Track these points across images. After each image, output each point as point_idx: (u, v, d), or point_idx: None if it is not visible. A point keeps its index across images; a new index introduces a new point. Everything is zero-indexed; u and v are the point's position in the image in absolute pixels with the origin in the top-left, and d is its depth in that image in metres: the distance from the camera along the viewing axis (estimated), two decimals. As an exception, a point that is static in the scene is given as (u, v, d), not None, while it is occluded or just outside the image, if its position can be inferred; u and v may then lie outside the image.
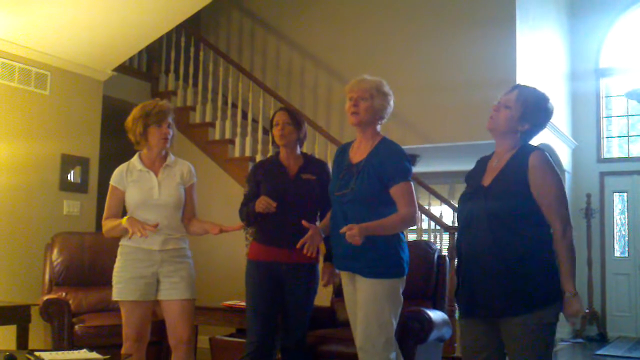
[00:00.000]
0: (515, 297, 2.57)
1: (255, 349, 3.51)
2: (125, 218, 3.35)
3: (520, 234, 2.59)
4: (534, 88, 2.76)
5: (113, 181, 3.49)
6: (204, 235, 3.66)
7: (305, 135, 3.71)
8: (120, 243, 3.48)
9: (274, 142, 3.69)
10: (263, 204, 3.41)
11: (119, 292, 3.41)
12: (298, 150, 3.69)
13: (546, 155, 2.66)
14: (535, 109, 2.70)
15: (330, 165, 3.59)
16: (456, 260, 2.84)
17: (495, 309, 2.61)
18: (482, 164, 2.84)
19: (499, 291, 2.59)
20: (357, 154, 3.21)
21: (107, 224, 3.47)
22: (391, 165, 3.08)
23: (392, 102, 3.22)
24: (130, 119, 3.49)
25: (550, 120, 8.16)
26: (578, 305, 2.60)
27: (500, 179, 2.68)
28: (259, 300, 3.55)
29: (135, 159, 3.52)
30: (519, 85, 2.76)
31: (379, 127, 3.22)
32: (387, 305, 3.07)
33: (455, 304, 2.83)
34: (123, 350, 3.38)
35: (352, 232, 2.85)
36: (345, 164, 3.22)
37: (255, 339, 3.52)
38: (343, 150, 3.33)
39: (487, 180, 2.72)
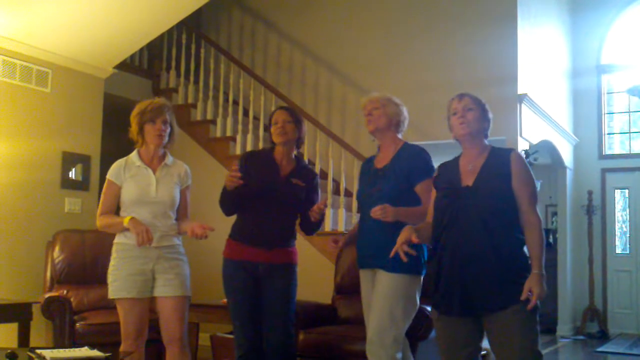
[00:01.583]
0: (510, 289, 2.66)
1: (246, 352, 3.47)
2: (127, 218, 3.35)
3: (509, 228, 2.73)
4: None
5: (110, 175, 3.48)
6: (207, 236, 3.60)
7: (304, 135, 3.67)
8: (115, 241, 3.47)
9: (271, 141, 3.64)
10: (228, 178, 3.34)
11: (116, 289, 3.39)
12: (293, 154, 3.65)
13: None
14: (486, 108, 2.91)
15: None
16: (431, 261, 2.90)
17: (494, 303, 2.67)
18: (450, 168, 2.93)
19: (497, 285, 2.66)
20: (381, 160, 3.39)
21: (104, 220, 3.45)
22: (417, 165, 3.27)
23: (405, 112, 3.42)
24: (130, 118, 3.52)
25: (552, 117, 8.10)
26: (543, 285, 2.67)
27: (484, 178, 2.78)
28: (242, 301, 3.49)
29: (133, 154, 3.52)
30: (464, 93, 2.93)
31: (400, 135, 3.40)
32: (401, 302, 3.14)
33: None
34: (122, 348, 3.37)
35: (385, 210, 3.05)
36: (371, 170, 3.39)
37: (243, 341, 3.48)
38: (369, 160, 3.52)
39: (467, 181, 2.80)
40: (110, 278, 3.42)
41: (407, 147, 3.37)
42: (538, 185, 7.87)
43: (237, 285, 3.50)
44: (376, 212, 3.06)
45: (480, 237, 2.69)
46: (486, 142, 2.91)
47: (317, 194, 3.69)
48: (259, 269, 3.48)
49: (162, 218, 3.43)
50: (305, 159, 6.41)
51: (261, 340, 3.50)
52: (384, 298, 3.15)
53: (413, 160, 3.28)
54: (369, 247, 3.26)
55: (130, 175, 3.45)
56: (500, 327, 2.69)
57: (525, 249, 2.76)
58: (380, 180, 3.28)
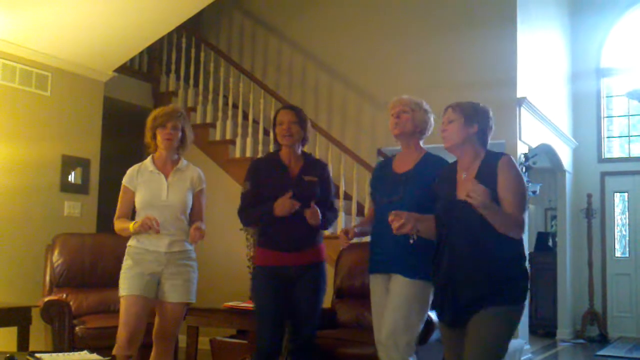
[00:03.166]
0: (487, 292, 2.69)
1: (264, 354, 3.51)
2: (131, 224, 3.42)
3: (496, 241, 2.69)
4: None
5: (125, 181, 3.59)
6: (198, 241, 3.60)
7: (309, 134, 3.68)
8: (128, 244, 3.55)
9: (275, 141, 3.64)
10: (288, 207, 3.41)
11: (123, 288, 3.45)
12: (299, 150, 3.66)
13: (513, 160, 2.80)
14: (473, 111, 2.86)
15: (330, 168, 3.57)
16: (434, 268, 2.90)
17: (473, 310, 2.71)
18: (449, 175, 2.93)
19: (477, 292, 2.70)
20: (402, 165, 3.33)
21: (119, 224, 3.55)
22: None
23: (432, 120, 3.37)
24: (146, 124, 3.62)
25: (552, 120, 8.06)
26: (486, 196, 2.61)
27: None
28: (268, 304, 3.53)
29: (148, 160, 3.61)
30: (450, 105, 2.91)
31: (421, 142, 3.37)
32: (417, 307, 3.15)
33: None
34: (114, 351, 3.39)
35: (400, 218, 2.87)
36: (390, 175, 3.33)
37: (264, 343, 3.52)
38: (384, 164, 3.47)
39: (462, 194, 2.78)
40: (121, 277, 3.49)
41: (430, 156, 3.33)
42: (537, 188, 7.87)
43: (267, 290, 3.55)
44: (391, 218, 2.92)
45: (465, 253, 2.72)
46: (481, 147, 2.85)
47: (330, 185, 3.71)
48: (290, 271, 3.52)
49: (173, 221, 3.48)
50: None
51: (279, 345, 3.54)
52: (401, 302, 3.13)
53: (436, 170, 3.19)
54: (386, 252, 3.23)
55: (143, 180, 3.54)
56: (471, 327, 2.72)
57: (510, 255, 2.72)
58: (402, 186, 3.22)
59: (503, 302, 2.68)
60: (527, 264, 2.81)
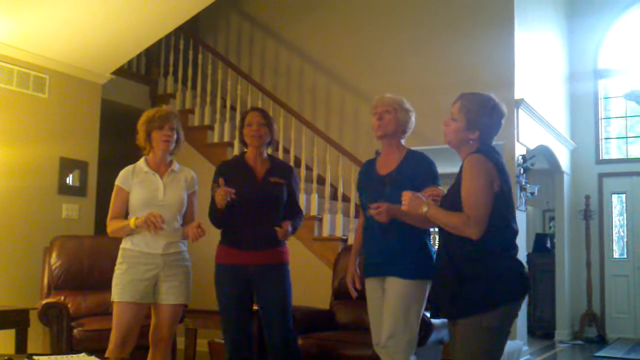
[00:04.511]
0: (456, 301, 2.66)
1: (233, 356, 3.53)
2: (132, 219, 3.40)
3: (465, 241, 2.62)
4: (476, 93, 2.78)
5: (119, 181, 3.55)
6: (200, 239, 3.62)
7: (276, 136, 3.73)
8: (122, 246, 3.52)
9: (243, 142, 3.69)
10: (222, 194, 3.38)
11: (118, 294, 3.43)
12: (265, 153, 3.69)
13: (478, 158, 2.66)
14: (479, 114, 2.71)
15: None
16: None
17: (445, 312, 2.74)
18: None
19: (447, 295, 2.70)
20: (385, 166, 3.33)
21: (113, 225, 3.52)
22: (423, 172, 3.24)
23: (413, 118, 3.37)
24: (138, 126, 3.58)
25: (549, 122, 8.03)
26: (418, 203, 2.68)
27: (451, 188, 2.78)
28: (230, 306, 3.55)
29: (141, 161, 3.59)
30: (462, 95, 2.78)
31: (403, 141, 3.37)
32: (415, 307, 3.16)
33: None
34: (107, 353, 3.39)
35: (380, 210, 2.99)
36: (374, 177, 3.34)
37: (231, 345, 3.54)
38: (368, 165, 3.46)
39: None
40: (114, 281, 3.47)
41: (412, 153, 3.34)
42: (535, 189, 7.87)
43: (227, 290, 3.56)
44: (370, 212, 3.04)
45: (440, 250, 2.76)
46: (479, 145, 2.75)
47: (296, 189, 3.76)
48: (249, 270, 3.52)
49: (170, 222, 3.46)
50: (303, 164, 6.42)
51: (247, 344, 3.54)
52: (398, 303, 3.15)
53: (419, 167, 3.25)
54: (378, 255, 3.24)
55: (138, 181, 3.51)
56: (452, 336, 2.75)
57: (489, 258, 2.64)
58: (387, 188, 3.22)
59: (472, 311, 2.61)
60: (502, 262, 2.67)
